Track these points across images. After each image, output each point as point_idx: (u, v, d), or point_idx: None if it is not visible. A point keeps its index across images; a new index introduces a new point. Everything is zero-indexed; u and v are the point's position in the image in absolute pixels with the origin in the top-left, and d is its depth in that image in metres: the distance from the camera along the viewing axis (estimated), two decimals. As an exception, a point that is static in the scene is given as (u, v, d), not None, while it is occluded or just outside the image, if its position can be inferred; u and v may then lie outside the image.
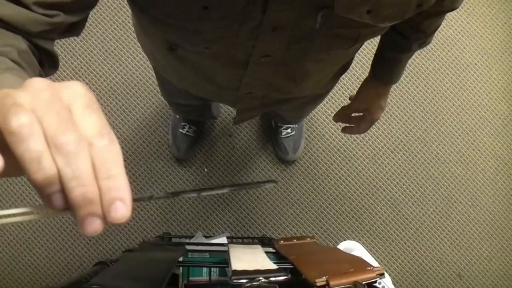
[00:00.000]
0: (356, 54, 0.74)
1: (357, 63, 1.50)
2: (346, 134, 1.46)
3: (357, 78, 1.48)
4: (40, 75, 0.40)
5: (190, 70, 0.60)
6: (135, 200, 0.24)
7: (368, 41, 1.47)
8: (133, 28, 1.47)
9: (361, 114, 0.79)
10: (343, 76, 1.47)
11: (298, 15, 0.42)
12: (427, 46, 0.71)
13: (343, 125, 0.84)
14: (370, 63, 0.75)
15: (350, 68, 0.78)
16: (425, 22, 0.61)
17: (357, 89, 0.79)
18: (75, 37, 1.43)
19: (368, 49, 1.49)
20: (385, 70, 0.72)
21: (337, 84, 1.47)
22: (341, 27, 0.45)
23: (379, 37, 0.69)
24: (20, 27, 0.38)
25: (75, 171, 0.21)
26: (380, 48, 0.72)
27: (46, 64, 0.44)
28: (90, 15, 0.48)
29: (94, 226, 0.22)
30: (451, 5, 0.57)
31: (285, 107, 0.80)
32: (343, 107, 0.81)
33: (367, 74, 0.77)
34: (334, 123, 1.47)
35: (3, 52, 0.35)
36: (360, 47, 0.69)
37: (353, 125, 0.81)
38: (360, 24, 0.44)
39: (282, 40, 0.46)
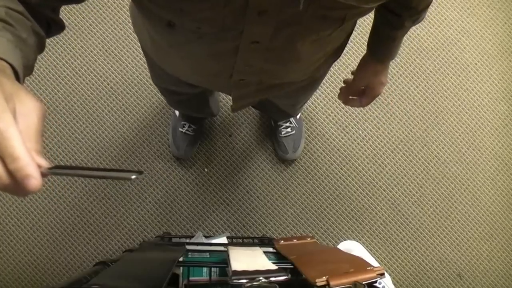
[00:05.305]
0: (351, 41, 0.73)
1: (356, 59, 1.49)
2: (346, 134, 1.46)
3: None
4: (37, 34, 0.44)
5: (184, 56, 0.60)
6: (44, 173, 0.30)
7: (361, 24, 1.47)
8: (133, 28, 1.47)
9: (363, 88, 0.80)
10: (341, 72, 1.47)
11: None
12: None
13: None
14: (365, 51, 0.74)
15: (347, 62, 0.77)
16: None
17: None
18: (75, 37, 1.43)
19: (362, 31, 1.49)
20: (381, 48, 0.72)
21: (335, 81, 1.47)
22: (326, 9, 0.45)
23: (373, 17, 0.69)
24: None
25: None
26: (374, 26, 0.72)
27: (53, 28, 0.49)
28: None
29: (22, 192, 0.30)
30: None
31: (280, 93, 0.81)
32: (345, 88, 0.82)
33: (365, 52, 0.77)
34: (334, 123, 1.47)
35: None
36: (352, 30, 0.69)
37: (355, 97, 0.82)
38: (345, 5, 0.43)
39: (269, 25, 0.46)
